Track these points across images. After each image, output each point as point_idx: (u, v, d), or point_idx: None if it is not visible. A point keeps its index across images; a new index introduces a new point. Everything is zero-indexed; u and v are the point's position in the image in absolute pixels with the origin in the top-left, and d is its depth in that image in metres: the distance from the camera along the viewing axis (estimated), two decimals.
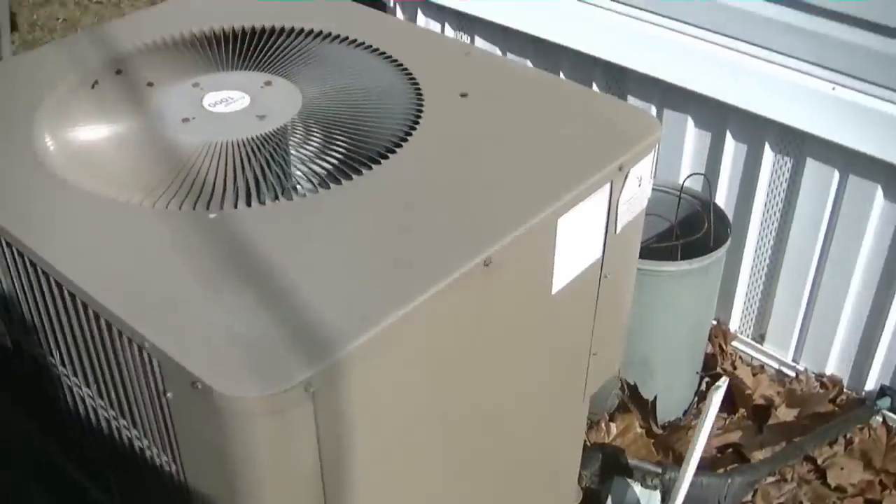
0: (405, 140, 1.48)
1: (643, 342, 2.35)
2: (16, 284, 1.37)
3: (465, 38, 3.00)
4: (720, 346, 2.65)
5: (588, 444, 2.30)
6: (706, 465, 2.26)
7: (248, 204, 1.34)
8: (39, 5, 4.83)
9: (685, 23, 2.47)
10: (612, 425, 2.34)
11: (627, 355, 2.38)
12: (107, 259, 1.25)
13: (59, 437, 1.57)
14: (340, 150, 1.47)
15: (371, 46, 1.76)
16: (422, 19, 3.09)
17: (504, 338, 1.40)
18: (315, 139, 1.49)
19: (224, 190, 1.37)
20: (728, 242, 2.34)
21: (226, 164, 1.43)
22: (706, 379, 2.58)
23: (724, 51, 2.40)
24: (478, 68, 1.70)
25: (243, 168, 1.42)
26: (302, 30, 1.80)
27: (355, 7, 1.94)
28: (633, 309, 2.29)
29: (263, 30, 1.80)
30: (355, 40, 1.77)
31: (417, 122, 1.53)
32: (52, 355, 1.40)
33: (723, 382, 1.76)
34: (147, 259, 1.25)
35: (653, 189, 2.52)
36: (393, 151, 1.46)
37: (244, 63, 1.71)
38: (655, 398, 2.39)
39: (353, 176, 1.40)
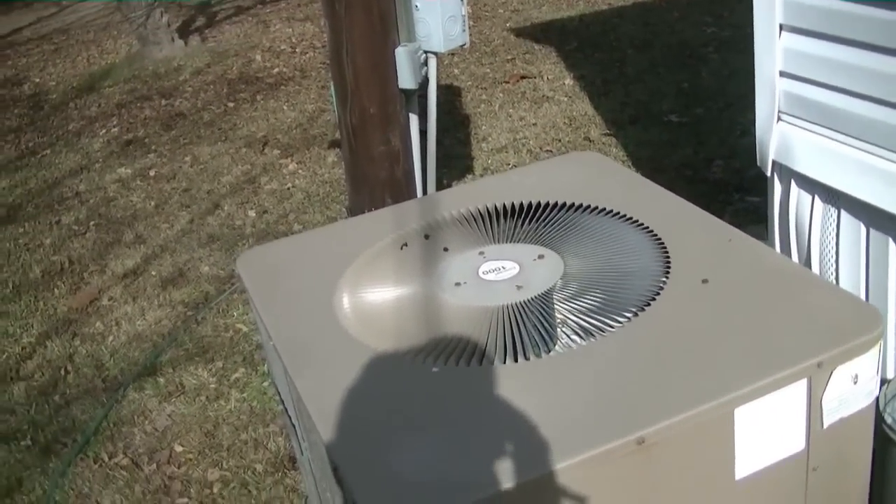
0: (627, 320, 1.65)
1: None
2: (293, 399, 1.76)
3: (832, 211, 3.00)
4: None
5: None
6: None
7: (468, 363, 1.60)
8: (496, 151, 5.50)
9: None
10: None
11: None
12: (340, 395, 1.57)
13: None
14: (568, 325, 1.67)
15: (642, 224, 1.94)
16: (795, 189, 3.14)
17: None
18: (547, 315, 1.70)
19: (456, 348, 1.64)
20: None
21: (470, 326, 1.70)
22: None
23: None
24: (730, 256, 1.81)
25: (480, 331, 1.68)
26: (581, 205, 2.04)
27: (642, 184, 2.13)
28: None
29: (548, 204, 2.06)
30: (630, 218, 1.97)
31: (647, 306, 1.68)
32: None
33: None
34: (373, 400, 1.55)
35: None
36: (611, 327, 1.63)
37: (526, 235, 1.98)
38: None
39: (563, 349, 1.60)
